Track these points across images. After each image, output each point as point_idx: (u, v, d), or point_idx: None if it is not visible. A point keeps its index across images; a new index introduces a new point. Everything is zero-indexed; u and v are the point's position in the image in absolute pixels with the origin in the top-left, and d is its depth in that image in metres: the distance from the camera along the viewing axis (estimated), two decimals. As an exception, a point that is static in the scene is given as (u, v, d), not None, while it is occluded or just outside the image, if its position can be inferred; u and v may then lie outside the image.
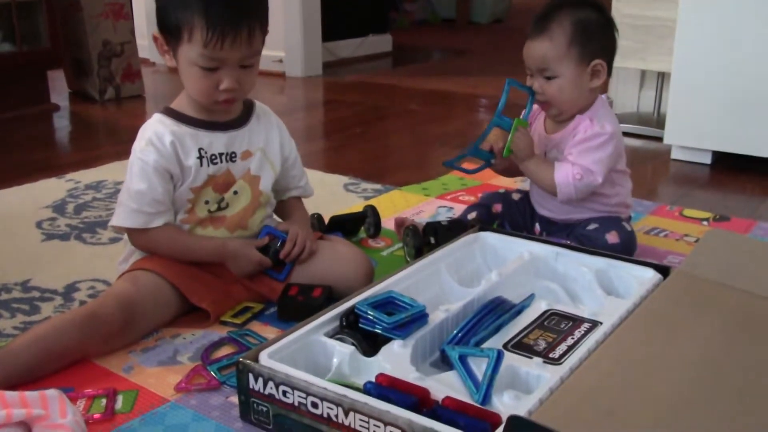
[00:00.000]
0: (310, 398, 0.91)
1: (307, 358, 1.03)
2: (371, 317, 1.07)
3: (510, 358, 1.00)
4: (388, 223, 1.71)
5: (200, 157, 1.28)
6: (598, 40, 1.43)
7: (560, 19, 1.42)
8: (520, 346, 1.06)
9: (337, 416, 0.90)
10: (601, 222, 1.47)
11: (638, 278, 1.22)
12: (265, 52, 1.30)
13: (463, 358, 0.99)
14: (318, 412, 0.91)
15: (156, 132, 1.27)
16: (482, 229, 1.42)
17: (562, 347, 1.05)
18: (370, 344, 1.05)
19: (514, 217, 1.59)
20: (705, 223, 1.78)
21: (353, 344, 1.04)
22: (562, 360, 1.01)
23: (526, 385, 0.98)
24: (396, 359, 1.01)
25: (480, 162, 1.55)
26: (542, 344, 1.06)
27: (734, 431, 0.81)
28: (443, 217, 1.76)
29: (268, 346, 1.00)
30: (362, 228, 1.68)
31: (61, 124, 2.98)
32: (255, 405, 0.97)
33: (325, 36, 4.04)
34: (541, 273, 1.31)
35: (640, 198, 1.90)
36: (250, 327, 1.26)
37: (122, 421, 1.01)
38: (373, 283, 1.20)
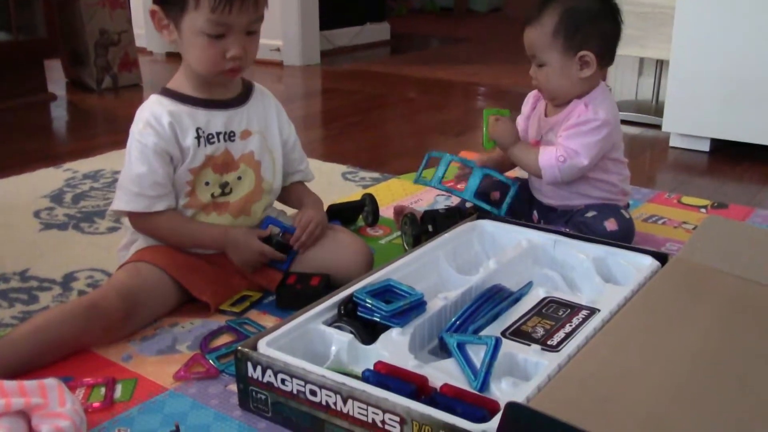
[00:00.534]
0: (309, 386, 0.91)
1: (306, 347, 1.03)
2: (369, 305, 1.07)
3: (508, 346, 1.01)
4: (386, 212, 1.71)
5: (198, 137, 1.27)
6: (587, 31, 1.42)
7: (553, 7, 1.42)
8: (519, 333, 1.07)
9: (335, 404, 0.90)
10: (600, 209, 1.47)
11: (636, 265, 1.22)
12: (262, 40, 1.29)
13: (461, 346, 0.99)
14: (316, 399, 0.91)
15: (154, 113, 1.26)
16: (480, 217, 1.42)
17: (560, 334, 1.05)
18: (369, 332, 1.06)
19: (512, 204, 1.59)
20: (703, 210, 1.78)
21: (352, 332, 1.05)
22: (560, 347, 1.01)
23: (524, 372, 0.98)
24: (394, 347, 1.01)
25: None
26: (540, 331, 1.07)
27: (732, 417, 0.82)
28: (441, 205, 1.76)
29: (267, 334, 1.01)
30: (360, 216, 1.69)
31: (58, 113, 2.97)
32: (254, 393, 0.98)
33: (322, 24, 4.03)
34: (539, 260, 1.31)
35: (639, 185, 1.90)
36: (248, 315, 1.26)
37: (121, 409, 1.01)
38: (371, 272, 1.20)
